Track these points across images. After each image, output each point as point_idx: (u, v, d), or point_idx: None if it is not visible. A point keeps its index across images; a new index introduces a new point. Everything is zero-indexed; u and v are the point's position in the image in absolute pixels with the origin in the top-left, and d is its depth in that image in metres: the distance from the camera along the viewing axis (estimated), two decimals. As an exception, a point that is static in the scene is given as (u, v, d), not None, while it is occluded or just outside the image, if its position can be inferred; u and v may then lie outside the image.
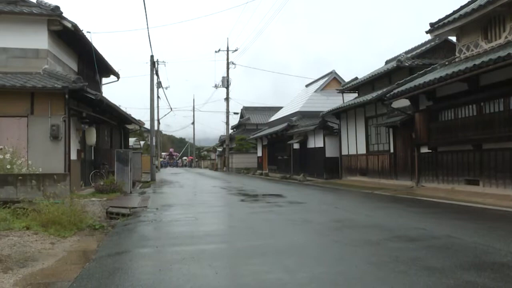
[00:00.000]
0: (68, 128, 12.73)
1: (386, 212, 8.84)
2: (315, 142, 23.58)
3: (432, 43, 17.90)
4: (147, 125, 27.32)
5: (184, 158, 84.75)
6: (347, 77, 37.33)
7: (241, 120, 47.55)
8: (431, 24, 14.02)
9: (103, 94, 17.77)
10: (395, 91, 14.55)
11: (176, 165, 76.22)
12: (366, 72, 23.74)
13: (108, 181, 13.40)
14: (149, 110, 25.40)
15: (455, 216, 7.85)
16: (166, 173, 37.53)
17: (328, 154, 22.28)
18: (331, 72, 30.96)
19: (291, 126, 27.00)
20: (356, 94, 22.48)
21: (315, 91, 30.12)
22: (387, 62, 21.67)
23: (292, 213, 8.87)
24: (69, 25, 13.61)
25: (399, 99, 14.57)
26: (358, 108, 19.43)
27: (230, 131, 47.08)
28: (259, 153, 37.41)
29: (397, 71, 17.39)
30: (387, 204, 10.46)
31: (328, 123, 22.47)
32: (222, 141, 51.13)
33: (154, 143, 25.95)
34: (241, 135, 43.28)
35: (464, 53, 13.41)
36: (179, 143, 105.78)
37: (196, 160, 75.13)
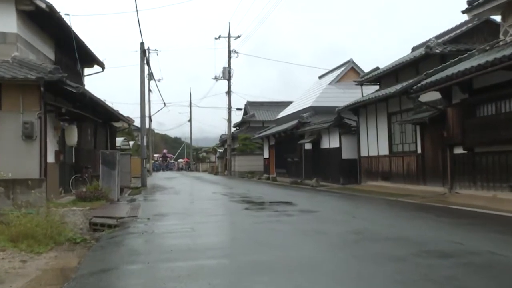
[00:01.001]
0: (44, 126, 12.68)
1: (413, 223, 8.83)
2: (330, 142, 23.56)
3: (469, 25, 17.48)
4: (137, 123, 27.46)
5: (180, 160, 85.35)
6: (366, 67, 37.34)
7: (244, 117, 47.81)
8: (469, 2, 13.70)
9: (86, 87, 17.86)
10: (424, 82, 14.46)
11: (171, 169, 76.92)
12: (389, 61, 23.64)
13: (92, 187, 13.40)
14: (139, 105, 25.32)
15: (497, 229, 7.81)
16: (159, 178, 37.81)
17: (345, 155, 22.27)
18: (348, 62, 30.94)
19: (302, 124, 27.06)
20: (377, 87, 22.44)
21: (329, 84, 30.12)
22: (414, 49, 21.59)
23: (303, 223, 8.94)
24: (43, 5, 13.40)
25: (428, 92, 14.50)
26: (379, 102, 19.40)
27: (233, 129, 47.33)
28: (266, 155, 37.57)
29: (425, 59, 17.28)
30: (414, 213, 10.46)
31: (345, 120, 22.44)
32: (223, 141, 51.48)
33: (145, 144, 26.12)
34: (244, 134, 43.52)
35: (511, 35, 13.20)
36: (174, 144, 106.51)
37: (194, 162, 75.86)
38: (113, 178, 14.31)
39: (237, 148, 43.03)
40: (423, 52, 16.94)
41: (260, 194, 17.53)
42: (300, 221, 9.16)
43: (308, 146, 26.53)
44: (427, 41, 19.42)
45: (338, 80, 30.22)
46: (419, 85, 14.64)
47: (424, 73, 15.37)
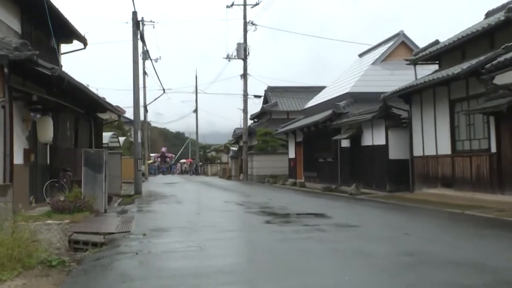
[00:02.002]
0: (9, 118, 12.46)
1: (485, 243, 8.73)
2: (374, 137, 23.43)
3: None
4: (129, 114, 27.74)
5: (183, 161, 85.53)
6: (421, 41, 36.89)
7: (264, 107, 47.73)
8: None
9: (64, 68, 17.89)
10: (501, 59, 14.18)
11: (172, 171, 77.30)
12: (453, 33, 23.29)
13: (72, 195, 13.42)
14: (131, 92, 25.45)
15: None
16: (156, 183, 38.14)
17: (393, 155, 22.11)
18: (397, 35, 30.67)
19: (337, 115, 26.91)
20: (436, 66, 22.20)
21: (373, 63, 29.90)
22: (488, 14, 21.22)
23: (341, 241, 8.98)
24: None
25: (508, 71, 14.21)
26: (439, 86, 19.20)
27: (249, 122, 47.58)
28: (291, 154, 37.52)
29: (504, 27, 16.94)
30: (485, 231, 10.35)
31: (393, 109, 22.27)
32: (237, 137, 51.76)
33: (139, 140, 26.26)
34: (265, 128, 43.58)
35: None
36: (175, 140, 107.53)
37: (201, 164, 76.02)
38: (99, 183, 14.37)
39: (256, 146, 43.07)
40: (502, 18, 16.52)
41: (284, 203, 17.64)
42: (337, 239, 9.18)
43: (345, 143, 26.38)
44: (508, 3, 19.00)
45: (384, 59, 29.94)
46: (494, 62, 14.37)
47: (503, 47, 15.08)
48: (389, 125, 22.33)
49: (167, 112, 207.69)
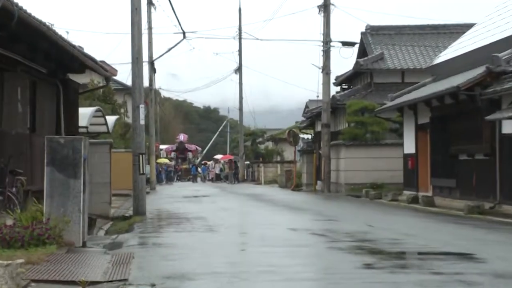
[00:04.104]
0: None
1: None
2: None
3: None
4: (124, 77, 21.05)
5: (218, 157, 61.24)
6: None
7: (361, 63, 33.44)
8: None
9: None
10: None
11: (202, 176, 56.64)
12: None
13: (28, 216, 10.65)
14: (128, 37, 17.91)
15: None
16: (170, 196, 30.00)
17: None
18: None
19: (495, 75, 20.97)
20: None
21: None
22: None
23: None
24: None
25: None
26: None
27: (334, 89, 35.07)
28: (409, 147, 28.56)
29: None
30: None
31: None
32: (311, 117, 37.90)
33: (142, 121, 18.70)
34: (360, 101, 31.38)
35: None
36: (202, 122, 77.01)
37: (247, 163, 55.30)
38: (73, 196, 10.93)
39: (345, 132, 31.22)
40: None
41: (396, 233, 13.89)
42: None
43: (509, 126, 20.53)
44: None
45: None
46: None
47: None
48: None
49: (188, 74, 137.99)
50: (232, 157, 55.58)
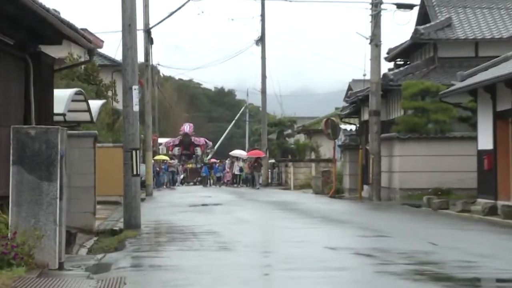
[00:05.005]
0: None
1: None
2: None
3: None
4: (111, 50, 17.27)
5: (236, 153, 52.03)
6: None
7: (421, 31, 28.26)
8: None
9: None
10: None
11: (206, 178, 47.65)
12: None
13: None
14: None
15: None
16: (172, 204, 26.99)
17: None
18: None
19: None
20: None
21: None
22: None
23: None
24: None
25: None
26: None
27: (386, 66, 29.98)
28: (485, 142, 24.41)
29: None
30: None
31: None
32: (356, 102, 32.05)
33: (135, 107, 16.36)
34: (421, 81, 26.46)
35: None
36: (212, 108, 65.62)
37: (272, 163, 47.36)
38: (46, 203, 9.76)
39: (400, 121, 26.61)
40: None
41: (467, 254, 11.94)
42: None
43: None
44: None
45: None
46: None
47: None
48: None
49: (196, 46, 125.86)
50: (262, 153, 44.81)
